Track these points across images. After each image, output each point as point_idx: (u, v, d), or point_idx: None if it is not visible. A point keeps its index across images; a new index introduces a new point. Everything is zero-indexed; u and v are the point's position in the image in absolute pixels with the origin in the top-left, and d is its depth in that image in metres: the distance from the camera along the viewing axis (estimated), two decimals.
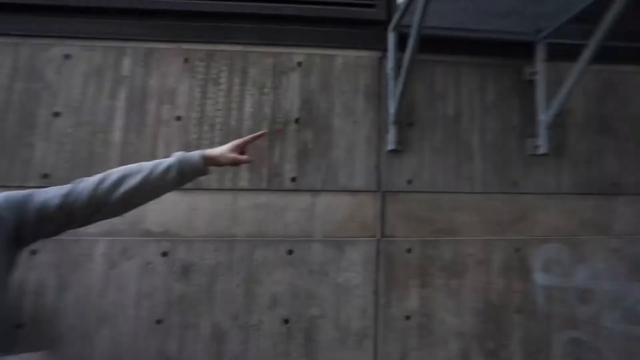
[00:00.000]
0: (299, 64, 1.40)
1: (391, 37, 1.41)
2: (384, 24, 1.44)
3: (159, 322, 1.17)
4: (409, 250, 1.31)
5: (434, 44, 1.44)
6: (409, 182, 1.37)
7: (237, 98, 1.33)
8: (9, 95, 1.22)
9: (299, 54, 1.40)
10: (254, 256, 1.25)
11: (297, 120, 1.35)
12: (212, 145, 1.26)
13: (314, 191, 1.31)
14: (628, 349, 1.42)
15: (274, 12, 1.40)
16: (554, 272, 1.42)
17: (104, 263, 1.17)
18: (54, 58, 1.25)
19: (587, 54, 1.24)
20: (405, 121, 1.40)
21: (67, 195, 0.65)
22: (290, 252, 1.26)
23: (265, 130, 0.97)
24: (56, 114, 1.23)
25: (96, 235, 1.16)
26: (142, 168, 0.71)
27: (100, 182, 0.67)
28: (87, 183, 0.67)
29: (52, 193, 0.65)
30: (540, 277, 1.40)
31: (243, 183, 1.28)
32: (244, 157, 0.83)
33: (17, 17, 1.25)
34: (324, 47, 1.42)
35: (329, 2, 1.42)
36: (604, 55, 1.55)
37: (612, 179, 1.53)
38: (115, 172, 0.69)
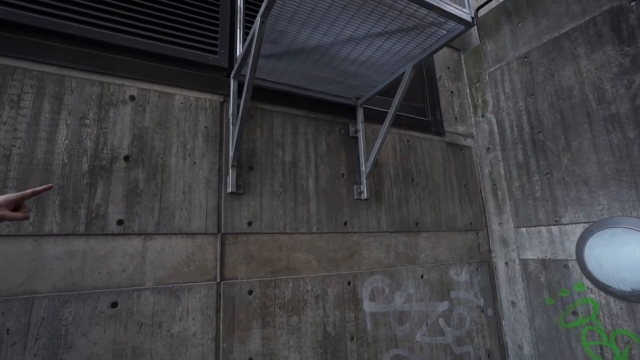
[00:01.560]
0: (132, 97, 1.75)
1: (233, 84, 2.02)
2: (227, 70, 2.05)
3: None
4: (250, 292, 1.77)
5: (274, 96, 2.17)
6: (250, 224, 1.88)
7: (46, 127, 1.51)
8: None
9: (131, 87, 1.76)
10: (63, 315, 1.36)
11: (126, 158, 1.65)
12: (5, 180, 1.35)
13: (145, 235, 1.60)
14: (434, 356, 2.34)
15: (103, 39, 1.73)
16: (378, 300, 2.22)
17: None
18: None
19: (388, 119, 2.23)
20: (246, 165, 1.97)
21: None
22: (114, 304, 1.46)
23: (51, 184, 1.04)
24: None
25: None
26: None
27: None
28: None
29: None
30: (367, 306, 2.16)
31: (51, 227, 1.42)
32: (17, 214, 0.91)
33: None
34: (161, 83, 1.85)
35: (171, 41, 1.91)
36: (405, 123, 2.78)
37: (415, 219, 2.62)
38: None
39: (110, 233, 1.53)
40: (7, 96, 1.47)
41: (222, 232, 1.80)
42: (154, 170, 1.71)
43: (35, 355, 1.30)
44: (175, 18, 1.94)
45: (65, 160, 1.52)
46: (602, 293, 2.29)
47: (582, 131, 2.50)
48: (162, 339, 1.52)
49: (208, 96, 1.97)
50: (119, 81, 1.74)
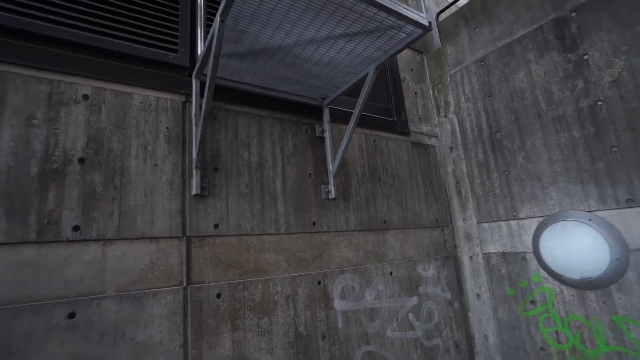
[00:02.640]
0: (85, 96, 1.69)
1: (195, 84, 2.01)
2: (188, 69, 2.03)
3: None
4: (218, 295, 1.77)
5: (239, 96, 2.18)
6: (216, 226, 1.88)
7: None
8: None
9: (84, 85, 1.71)
10: (14, 328, 1.29)
11: (81, 160, 1.60)
12: None
13: (104, 240, 1.55)
14: (405, 351, 2.43)
15: (51, 34, 1.66)
16: (348, 298, 2.28)
17: None
18: None
19: (352, 119, 2.30)
20: (211, 166, 1.96)
21: None
22: (71, 315, 1.41)
23: None
24: None
25: None
26: None
27: None
28: None
29: None
30: (338, 304, 2.21)
31: None
32: None
33: None
34: (118, 82, 1.80)
35: (129, 38, 1.86)
36: (370, 123, 2.87)
37: (383, 217, 2.71)
38: None
39: (65, 240, 1.47)
40: None
41: (188, 235, 1.78)
42: (112, 173, 1.66)
43: None
44: (132, 14, 1.90)
45: (11, 164, 1.44)
46: (557, 282, 2.49)
47: (534, 131, 2.71)
48: (126, 348, 1.48)
49: (169, 96, 1.94)
50: (70, 79, 1.68)
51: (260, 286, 1.92)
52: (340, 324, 2.17)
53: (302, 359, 1.94)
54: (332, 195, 2.41)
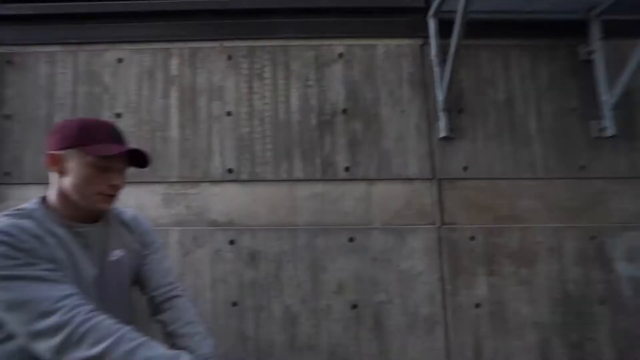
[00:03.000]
0: (340, 55, 1.96)
1: (432, 24, 1.97)
2: (422, 11, 2.01)
3: (234, 304, 1.70)
4: (472, 238, 1.78)
5: (478, 28, 1.99)
6: (465, 169, 1.86)
7: (283, 92, 1.89)
8: (75, 99, 1.85)
9: (339, 45, 1.97)
10: (316, 244, 1.75)
11: (344, 111, 1.89)
12: (264, 137, 1.80)
13: (368, 180, 1.83)
14: None
15: (310, 6, 1.99)
16: (638, 262, 1.83)
17: (179, 250, 1.72)
18: (109, 62, 1.89)
19: None
20: (455, 108, 1.92)
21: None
22: (351, 239, 1.76)
23: None
24: (118, 115, 1.84)
25: (169, 225, 1.74)
26: None
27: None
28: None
29: (161, 271, 1.07)
30: (623, 268, 1.81)
31: (298, 174, 1.81)
32: None
33: (73, 26, 1.90)
34: (363, 37, 1.99)
35: None
36: None
37: None
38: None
39: (340, 178, 1.82)
40: (254, 70, 1.90)
41: (438, 177, 1.86)
42: (368, 120, 1.89)
43: (303, 272, 1.74)
44: None
45: (299, 118, 1.87)
46: None
47: None
48: (392, 273, 1.75)
49: (407, 41, 1.99)
50: (327, 42, 1.97)
51: (516, 234, 1.80)
52: (627, 292, 1.78)
53: (573, 320, 1.73)
54: (609, 132, 1.93)
